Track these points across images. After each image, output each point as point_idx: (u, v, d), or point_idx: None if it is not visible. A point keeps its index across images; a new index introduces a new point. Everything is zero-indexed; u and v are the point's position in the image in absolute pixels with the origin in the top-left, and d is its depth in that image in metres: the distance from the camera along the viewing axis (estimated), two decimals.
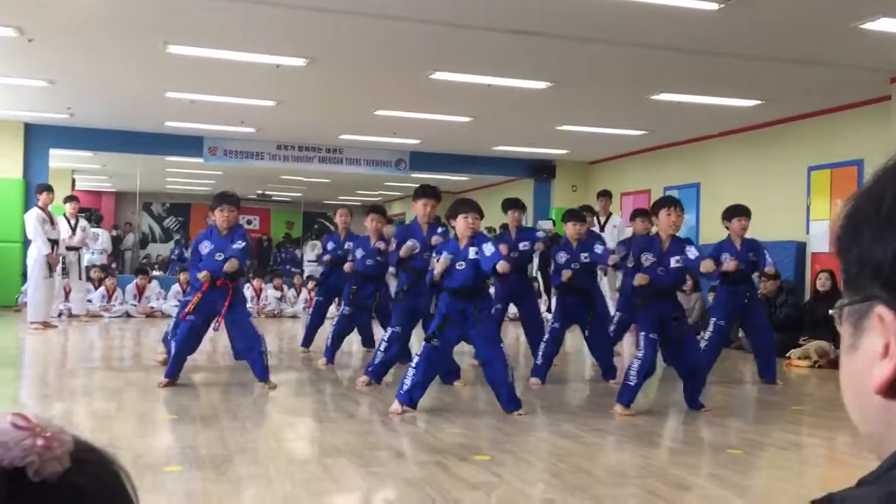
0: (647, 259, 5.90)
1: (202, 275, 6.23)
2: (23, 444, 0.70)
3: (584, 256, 7.11)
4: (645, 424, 5.47)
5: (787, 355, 8.86)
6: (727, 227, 7.35)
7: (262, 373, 6.38)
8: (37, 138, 13.52)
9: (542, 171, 16.19)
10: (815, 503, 0.69)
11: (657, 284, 5.84)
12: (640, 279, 5.80)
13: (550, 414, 5.80)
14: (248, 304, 13.72)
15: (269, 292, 14.02)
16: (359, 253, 7.92)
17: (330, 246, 8.75)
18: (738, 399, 6.91)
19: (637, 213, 8.61)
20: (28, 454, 0.70)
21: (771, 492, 4.00)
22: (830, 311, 0.77)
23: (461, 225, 5.65)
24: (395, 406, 5.50)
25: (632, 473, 4.19)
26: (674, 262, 5.84)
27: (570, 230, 7.22)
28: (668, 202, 5.97)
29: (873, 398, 0.69)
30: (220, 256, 6.28)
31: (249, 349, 6.40)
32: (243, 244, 6.32)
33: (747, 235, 7.35)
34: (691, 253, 5.91)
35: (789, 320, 9.64)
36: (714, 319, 7.36)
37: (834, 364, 8.53)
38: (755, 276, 10.07)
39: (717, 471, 4.26)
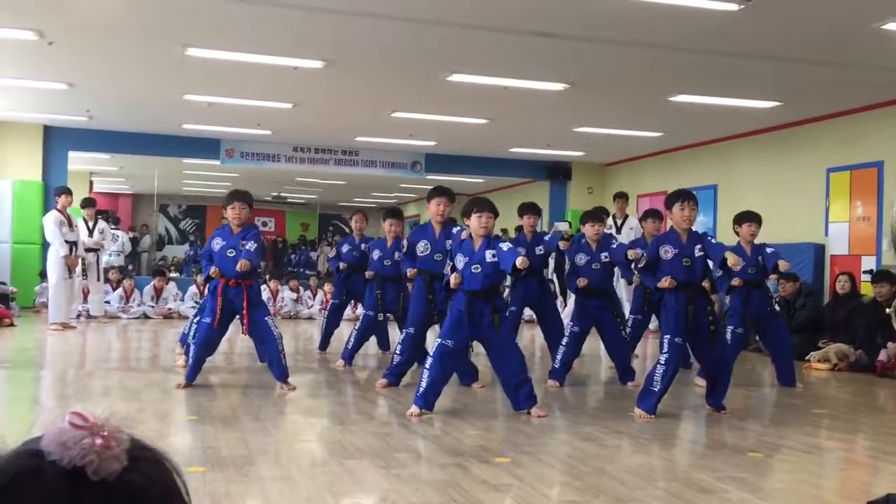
0: (668, 252, 5.80)
1: (213, 270, 6.27)
2: (82, 443, 0.71)
3: (603, 256, 7.10)
4: (665, 427, 5.45)
5: (806, 358, 8.81)
6: (737, 233, 7.36)
7: (280, 373, 6.40)
8: (56, 141, 13.64)
9: (558, 172, 16.17)
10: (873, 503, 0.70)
11: (686, 280, 5.76)
12: (665, 282, 5.73)
13: (569, 416, 5.79)
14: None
15: (286, 294, 14.07)
16: (376, 255, 7.93)
17: (345, 249, 8.74)
18: (758, 402, 6.87)
19: (648, 214, 8.61)
20: (87, 453, 0.70)
21: (793, 495, 3.97)
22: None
23: (475, 224, 5.63)
24: (413, 409, 5.51)
25: (653, 476, 4.18)
26: (697, 250, 5.79)
27: (589, 231, 7.21)
28: (681, 196, 5.89)
29: None
30: (231, 253, 6.29)
31: (267, 349, 6.42)
32: (255, 245, 6.33)
33: (758, 241, 7.33)
34: (713, 240, 5.89)
35: (808, 323, 9.58)
36: (731, 328, 7.34)
37: (853, 367, 8.48)
38: (773, 279, 10.07)
39: (738, 474, 4.24)
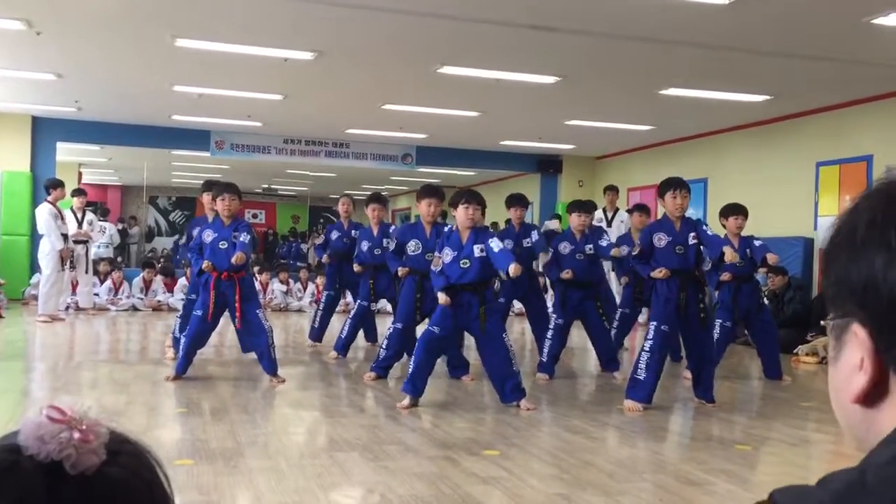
0: (662, 239, 5.79)
1: (206, 265, 6.22)
2: (59, 437, 0.70)
3: (588, 248, 7.07)
4: (653, 419, 5.47)
5: (794, 351, 8.86)
6: (724, 225, 7.38)
7: (270, 366, 6.39)
8: (44, 131, 13.54)
9: (548, 165, 16.17)
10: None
11: (679, 267, 5.75)
12: (660, 273, 5.72)
13: (559, 409, 5.80)
14: None
15: (276, 286, 14.04)
16: (364, 245, 7.83)
17: (334, 235, 8.52)
18: (746, 394, 6.90)
19: (635, 208, 8.66)
20: (65, 447, 0.70)
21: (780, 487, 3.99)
22: (822, 322, 0.82)
23: (461, 215, 5.61)
24: (405, 401, 5.51)
25: (641, 469, 4.19)
26: (691, 238, 5.78)
27: (575, 221, 7.17)
28: (673, 184, 5.87)
29: (853, 407, 0.74)
30: (223, 245, 6.25)
31: (257, 343, 6.40)
32: (249, 237, 6.29)
33: (748, 234, 7.36)
34: (708, 230, 5.89)
35: (797, 316, 9.62)
36: (720, 321, 7.36)
37: None
38: (762, 273, 10.10)
39: (726, 466, 4.26)
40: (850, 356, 0.74)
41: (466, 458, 4.20)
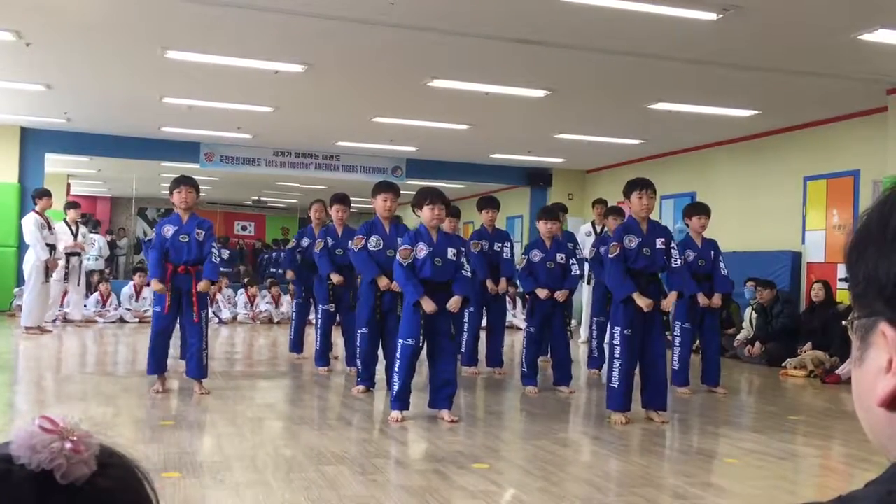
0: (633, 241, 5.75)
1: (159, 287, 6.15)
2: (51, 447, 0.70)
3: (559, 257, 7.06)
4: (641, 433, 5.47)
5: (782, 365, 8.89)
6: (687, 225, 7.46)
7: (197, 371, 6.30)
8: (33, 143, 13.48)
9: (538, 179, 16.23)
10: None
11: (644, 268, 5.72)
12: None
13: (547, 422, 5.79)
14: (243, 312, 13.73)
15: (263, 305, 13.97)
16: (329, 242, 7.65)
17: (305, 242, 8.39)
18: (734, 408, 6.91)
19: (610, 211, 8.73)
20: (56, 457, 0.70)
21: (768, 501, 4.00)
22: (844, 322, 0.79)
23: (427, 215, 5.57)
24: (394, 415, 5.49)
25: (630, 482, 4.19)
26: (659, 243, 5.78)
27: (542, 228, 7.13)
28: (640, 184, 5.77)
29: (878, 410, 0.71)
30: (184, 238, 6.22)
31: (191, 342, 6.31)
32: (219, 259, 6.29)
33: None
34: (676, 252, 5.92)
35: (785, 330, 9.65)
36: (679, 323, 7.37)
37: (829, 374, 8.55)
38: (750, 286, 10.14)
39: (714, 480, 4.27)
40: (877, 357, 0.70)
41: (456, 471, 4.19)
